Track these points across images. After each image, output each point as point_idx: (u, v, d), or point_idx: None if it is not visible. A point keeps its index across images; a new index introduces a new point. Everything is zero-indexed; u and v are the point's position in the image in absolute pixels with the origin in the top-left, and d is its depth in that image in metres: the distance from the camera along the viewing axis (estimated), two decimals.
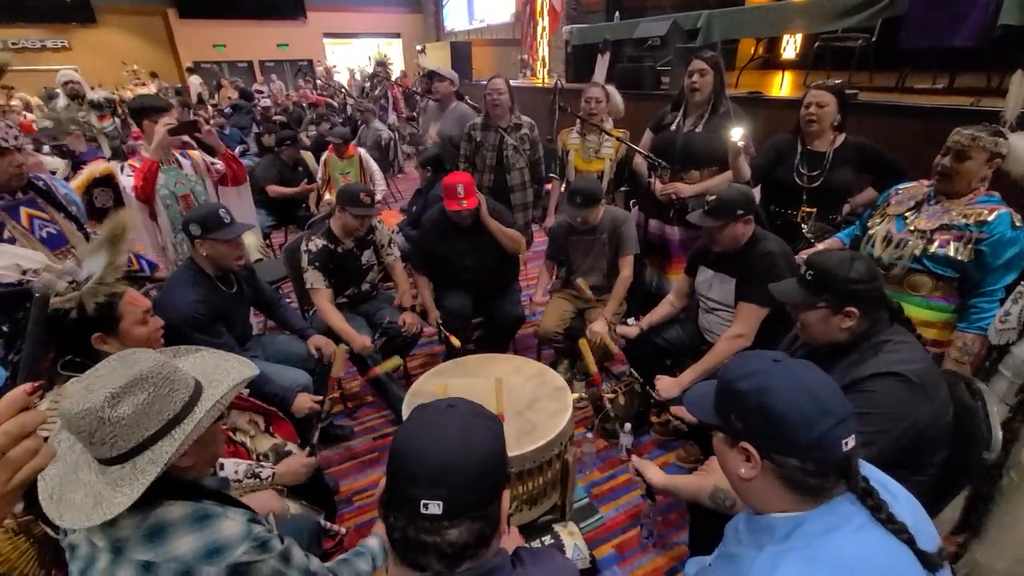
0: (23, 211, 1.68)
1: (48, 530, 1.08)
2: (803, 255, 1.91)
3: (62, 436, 0.89)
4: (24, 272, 1.51)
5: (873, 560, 0.73)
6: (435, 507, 0.66)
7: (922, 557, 0.74)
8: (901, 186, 1.87)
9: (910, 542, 0.74)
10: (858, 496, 0.76)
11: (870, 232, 1.84)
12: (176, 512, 0.85)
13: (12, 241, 1.60)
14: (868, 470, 0.82)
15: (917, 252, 1.69)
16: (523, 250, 2.74)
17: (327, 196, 4.25)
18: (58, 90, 4.14)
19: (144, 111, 2.26)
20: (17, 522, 1.05)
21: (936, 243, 1.65)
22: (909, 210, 1.77)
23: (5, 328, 1.34)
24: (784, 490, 0.78)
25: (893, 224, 1.79)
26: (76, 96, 3.95)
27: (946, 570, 0.79)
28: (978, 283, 1.63)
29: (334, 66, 12.35)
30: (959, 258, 1.62)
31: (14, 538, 1.05)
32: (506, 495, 0.75)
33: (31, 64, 10.79)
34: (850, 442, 0.75)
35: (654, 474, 1.38)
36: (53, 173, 2.34)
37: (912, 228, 1.72)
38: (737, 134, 2.14)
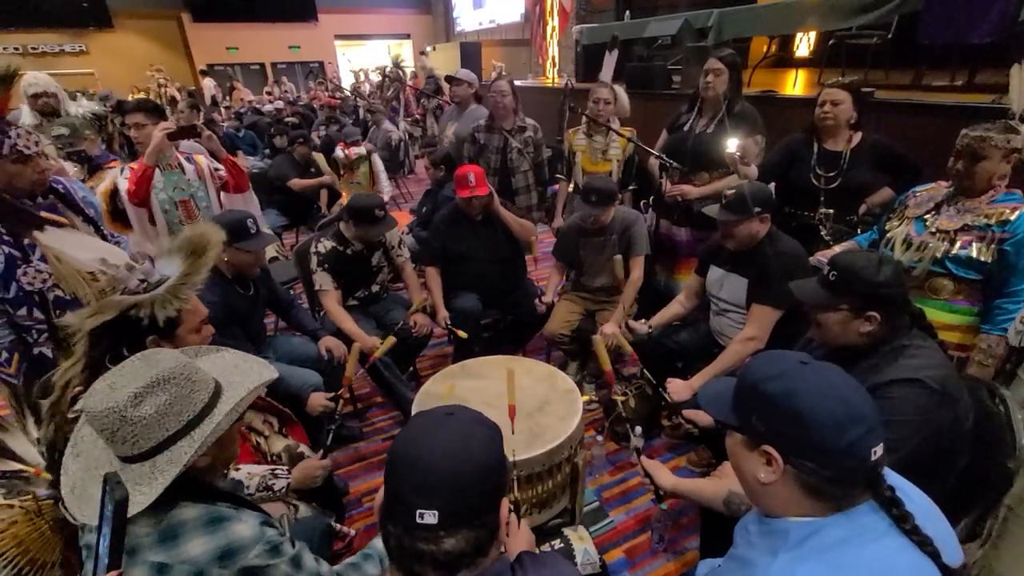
0: (44, 216, 1.70)
1: (68, 515, 1.10)
2: (820, 256, 1.88)
3: (84, 431, 0.91)
4: (105, 265, 1.55)
5: (895, 572, 0.71)
6: (431, 517, 0.66)
7: (946, 572, 0.72)
8: (919, 188, 1.82)
9: (934, 555, 0.71)
10: (883, 505, 0.73)
11: (888, 235, 1.80)
12: (190, 514, 0.86)
13: (32, 247, 1.63)
14: (893, 478, 0.79)
15: (938, 254, 1.65)
16: (534, 236, 2.73)
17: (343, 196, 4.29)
18: (22, 105, 2.84)
19: (124, 112, 2.27)
20: (38, 505, 1.06)
21: (959, 244, 1.62)
22: (928, 212, 1.73)
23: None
24: (804, 496, 0.75)
25: (912, 227, 1.75)
26: (50, 113, 2.78)
27: None
28: (1002, 284, 1.60)
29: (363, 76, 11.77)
30: (982, 259, 1.59)
31: (35, 520, 1.06)
32: (505, 503, 0.75)
33: (50, 68, 10.98)
34: (879, 450, 0.72)
35: (664, 477, 1.35)
36: None
37: (933, 230, 1.68)
38: (732, 144, 2.13)
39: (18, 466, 1.09)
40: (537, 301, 2.60)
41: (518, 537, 1.00)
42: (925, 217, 1.73)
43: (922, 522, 0.73)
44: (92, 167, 2.42)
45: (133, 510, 0.78)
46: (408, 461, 0.70)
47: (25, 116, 2.77)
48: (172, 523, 0.84)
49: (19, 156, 1.56)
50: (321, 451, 1.63)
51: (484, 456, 0.72)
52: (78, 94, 6.51)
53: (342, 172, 4.32)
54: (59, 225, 1.64)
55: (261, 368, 1.01)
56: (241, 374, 0.98)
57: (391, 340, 2.07)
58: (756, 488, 0.80)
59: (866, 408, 0.73)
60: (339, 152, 4.33)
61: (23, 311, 1.64)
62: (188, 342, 1.29)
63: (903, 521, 0.72)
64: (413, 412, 1.80)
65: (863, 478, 0.73)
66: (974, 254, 1.59)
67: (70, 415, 1.06)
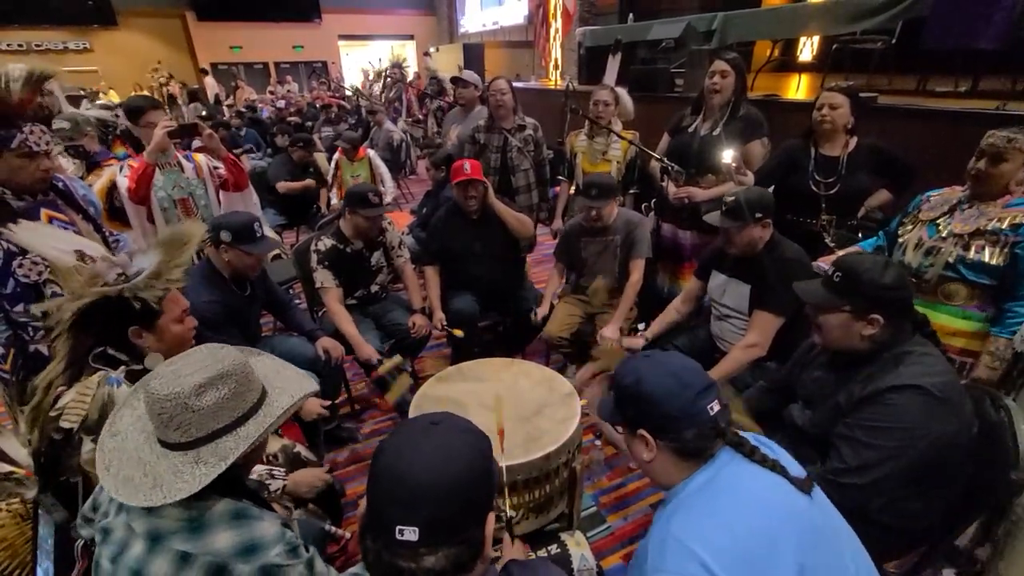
0: (43, 212, 1.69)
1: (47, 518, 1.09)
2: (822, 263, 1.87)
3: (124, 413, 0.93)
4: (82, 259, 1.57)
5: (752, 488, 0.86)
6: (410, 533, 0.64)
7: (794, 482, 0.88)
8: (933, 193, 1.81)
9: (783, 472, 0.88)
10: (733, 446, 0.90)
11: (901, 240, 1.78)
12: (219, 507, 0.86)
13: None
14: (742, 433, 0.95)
15: (951, 259, 1.63)
16: (531, 233, 2.72)
17: (334, 201, 4.27)
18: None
19: (137, 112, 2.25)
20: (26, 508, 1.06)
21: (973, 249, 1.61)
22: (942, 215, 1.71)
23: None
24: (678, 460, 0.91)
25: (925, 230, 1.73)
26: (45, 118, 2.40)
27: (818, 491, 0.91)
28: (1013, 287, 1.58)
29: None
30: (994, 263, 1.57)
31: (22, 523, 1.06)
32: (491, 518, 0.72)
33: (54, 66, 11.02)
34: (715, 406, 0.89)
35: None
36: None
37: (945, 234, 1.67)
38: (728, 156, 2.14)
39: (8, 468, 1.08)
40: (532, 315, 2.53)
41: (509, 552, 1.00)
42: (938, 221, 1.71)
43: (768, 451, 0.91)
44: (90, 164, 2.39)
45: (176, 496, 0.79)
46: (389, 474, 0.68)
47: None
48: (202, 514, 0.84)
49: (27, 152, 1.56)
50: (327, 467, 1.62)
51: (469, 469, 0.68)
52: (83, 100, 6.42)
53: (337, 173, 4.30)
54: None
55: (301, 378, 1.04)
56: (283, 380, 1.01)
57: (398, 360, 2.10)
58: (647, 468, 0.96)
59: (694, 378, 0.91)
60: (334, 161, 4.31)
61: (20, 307, 1.63)
62: (171, 332, 1.30)
63: (752, 454, 0.89)
64: (410, 414, 1.79)
65: (710, 430, 0.89)
66: (987, 258, 1.58)
67: (52, 413, 1.05)
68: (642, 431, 0.93)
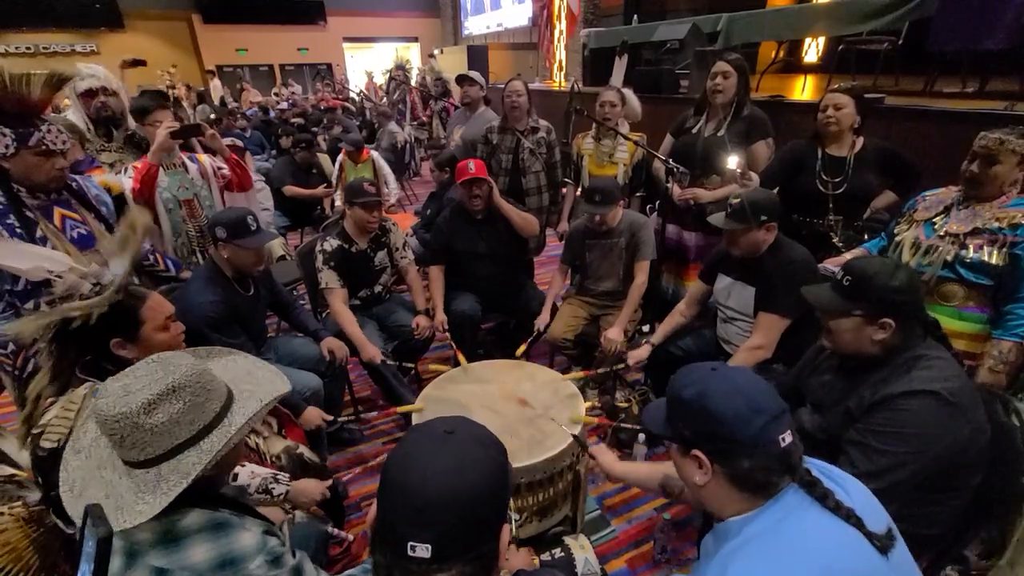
0: (56, 211, 1.70)
1: (59, 522, 1.08)
2: (828, 264, 1.85)
3: (88, 427, 0.90)
4: (50, 274, 1.53)
5: (822, 543, 0.76)
6: (423, 550, 0.61)
7: (871, 538, 0.77)
8: (928, 192, 1.80)
9: (858, 524, 0.77)
10: (804, 487, 0.79)
11: (897, 239, 1.77)
12: (194, 519, 0.84)
13: (44, 240, 1.62)
14: (812, 462, 0.86)
15: (948, 258, 1.61)
16: (537, 232, 2.71)
17: (338, 203, 4.27)
18: (65, 102, 2.38)
19: (144, 111, 2.27)
20: (29, 511, 1.05)
21: (971, 248, 1.58)
22: (938, 214, 1.69)
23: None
24: (735, 490, 0.81)
25: (921, 230, 1.71)
26: (108, 118, 2.39)
27: (899, 548, 0.79)
28: (1014, 289, 1.56)
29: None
30: (993, 263, 1.55)
31: (24, 527, 1.05)
32: (506, 529, 0.69)
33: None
34: (787, 437, 0.79)
35: (610, 462, 1.38)
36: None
37: (942, 233, 1.64)
38: (733, 162, 2.15)
39: (11, 471, 1.07)
40: (536, 332, 2.48)
41: (515, 558, 0.98)
42: (934, 220, 1.69)
43: (844, 497, 0.80)
44: (72, 170, 2.31)
45: (136, 520, 0.77)
46: (400, 487, 0.64)
47: (74, 114, 2.37)
48: (175, 528, 0.82)
49: (44, 150, 1.57)
50: (331, 480, 1.60)
51: (485, 484, 0.65)
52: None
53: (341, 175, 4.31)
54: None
55: (274, 377, 1.00)
56: (254, 383, 0.96)
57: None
58: (697, 492, 0.87)
59: (768, 402, 0.80)
60: (338, 163, 4.32)
61: (30, 304, 1.64)
62: (155, 341, 1.24)
63: (824, 499, 0.78)
64: (414, 415, 1.78)
65: (779, 464, 0.79)
66: (985, 257, 1.56)
67: (35, 430, 1.04)
68: (697, 452, 0.83)
